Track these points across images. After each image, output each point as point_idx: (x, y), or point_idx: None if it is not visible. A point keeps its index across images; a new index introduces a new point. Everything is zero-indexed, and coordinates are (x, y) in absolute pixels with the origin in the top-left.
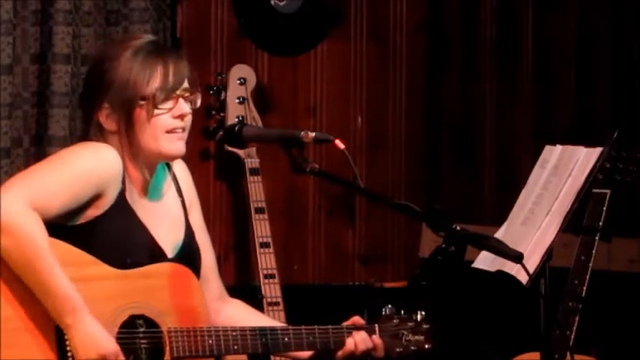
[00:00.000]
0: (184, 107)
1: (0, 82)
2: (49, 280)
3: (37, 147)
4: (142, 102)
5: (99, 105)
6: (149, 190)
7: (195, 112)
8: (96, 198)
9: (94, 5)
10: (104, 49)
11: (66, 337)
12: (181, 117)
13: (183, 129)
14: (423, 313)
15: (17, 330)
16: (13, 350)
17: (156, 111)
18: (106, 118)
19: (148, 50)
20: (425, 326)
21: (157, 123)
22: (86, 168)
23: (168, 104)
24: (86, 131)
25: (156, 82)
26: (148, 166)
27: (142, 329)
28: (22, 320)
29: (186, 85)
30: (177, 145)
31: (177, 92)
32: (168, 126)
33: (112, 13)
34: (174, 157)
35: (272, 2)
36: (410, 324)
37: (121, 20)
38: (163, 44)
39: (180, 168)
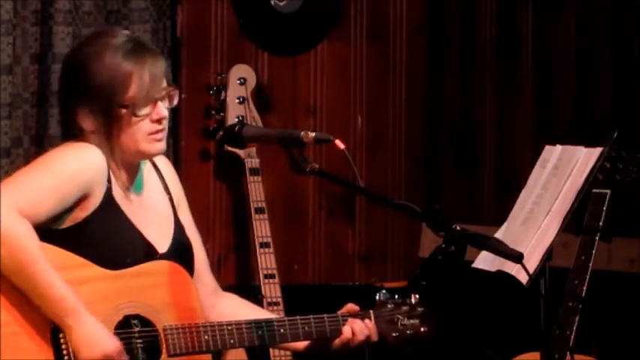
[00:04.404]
0: (162, 111)
1: (0, 82)
2: (44, 283)
3: (37, 147)
4: (122, 108)
5: (77, 105)
6: (134, 183)
7: (195, 112)
8: (82, 199)
9: (94, 5)
10: (81, 47)
11: (61, 340)
12: (159, 121)
13: (163, 130)
14: (417, 296)
15: (14, 335)
16: (9, 355)
17: (134, 119)
18: (84, 118)
19: (125, 52)
20: (420, 309)
21: (136, 128)
22: (71, 170)
23: (147, 110)
24: (65, 130)
25: (134, 89)
26: (130, 163)
27: (137, 329)
28: (18, 325)
29: (163, 85)
30: (157, 145)
31: (156, 97)
32: (147, 130)
33: (112, 13)
34: (155, 156)
35: (272, 2)
36: (405, 308)
37: (121, 20)
38: (142, 42)
39: (163, 164)
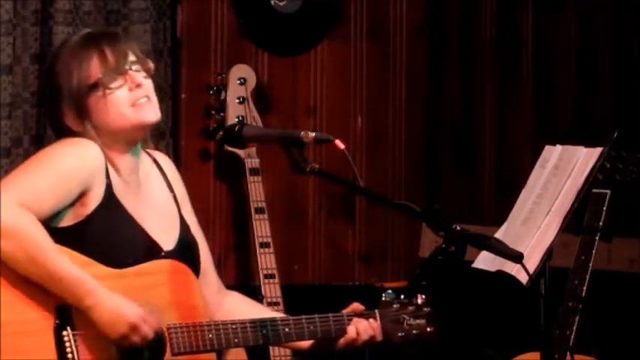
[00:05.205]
0: (137, 78)
1: (0, 82)
2: (58, 269)
3: (37, 147)
4: (93, 92)
5: (61, 110)
6: (136, 172)
7: (195, 112)
8: (82, 195)
9: (94, 5)
10: (51, 58)
11: (65, 338)
12: (138, 86)
13: (147, 97)
14: (424, 296)
15: (15, 334)
16: (11, 355)
17: (108, 91)
18: (72, 121)
19: (80, 43)
20: (426, 309)
21: (116, 100)
22: (71, 166)
23: (119, 82)
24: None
25: (96, 69)
26: (128, 146)
27: None
28: (19, 323)
29: (131, 58)
30: (147, 112)
31: (125, 68)
32: (129, 99)
33: (112, 13)
34: (149, 124)
35: (272, 2)
36: (411, 308)
37: (121, 20)
38: (100, 29)
39: (165, 162)
